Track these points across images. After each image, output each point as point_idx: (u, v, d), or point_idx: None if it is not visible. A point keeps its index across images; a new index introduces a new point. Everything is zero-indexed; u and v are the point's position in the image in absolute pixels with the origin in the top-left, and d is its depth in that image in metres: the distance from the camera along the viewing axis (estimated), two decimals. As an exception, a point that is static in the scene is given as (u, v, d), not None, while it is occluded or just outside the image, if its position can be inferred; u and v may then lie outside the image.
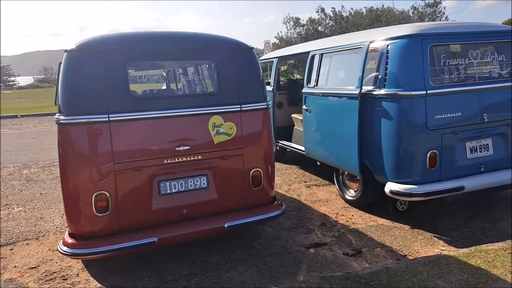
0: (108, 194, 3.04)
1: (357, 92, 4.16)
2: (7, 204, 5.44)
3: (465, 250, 3.24)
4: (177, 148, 3.21)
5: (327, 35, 26.24)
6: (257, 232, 4.07)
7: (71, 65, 2.98)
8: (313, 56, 5.41)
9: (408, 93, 3.79)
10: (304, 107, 5.47)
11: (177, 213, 3.30)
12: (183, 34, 3.47)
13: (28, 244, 4.06)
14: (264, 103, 3.59)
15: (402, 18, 28.63)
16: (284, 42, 26.61)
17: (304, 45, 6.46)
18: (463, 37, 4.01)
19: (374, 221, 4.28)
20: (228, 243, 3.81)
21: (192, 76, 4.32)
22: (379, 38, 4.17)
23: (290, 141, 6.55)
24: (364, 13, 26.43)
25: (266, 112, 3.63)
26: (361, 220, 4.34)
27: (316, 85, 5.22)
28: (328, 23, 27.09)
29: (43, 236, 4.23)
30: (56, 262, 3.61)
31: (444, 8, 32.87)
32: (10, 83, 61.90)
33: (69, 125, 2.95)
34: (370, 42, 4.20)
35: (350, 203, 4.83)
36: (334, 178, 5.18)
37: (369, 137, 4.19)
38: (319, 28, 26.41)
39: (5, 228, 4.51)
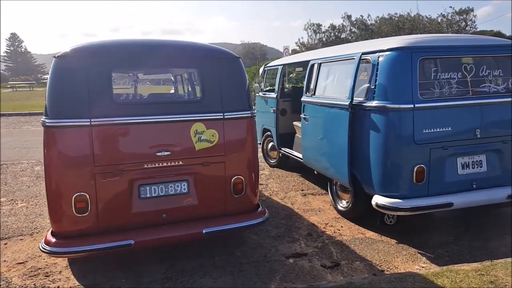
0: (87, 196, 3.14)
1: (347, 103, 4.15)
2: (12, 200, 5.66)
3: (437, 269, 3.17)
4: (157, 154, 3.28)
5: (349, 42, 26.04)
6: (241, 239, 4.10)
7: (58, 71, 3.11)
8: (312, 65, 5.41)
9: (395, 106, 3.76)
10: (302, 115, 5.48)
11: (157, 217, 3.37)
12: (169, 42, 3.56)
13: (22, 239, 4.22)
14: (249, 112, 3.63)
15: (430, 26, 28.02)
16: (305, 48, 26.54)
17: (307, 54, 6.48)
18: (455, 51, 3.95)
19: (361, 233, 4.25)
20: (210, 248, 3.85)
21: (176, 84, 4.40)
22: (371, 49, 4.15)
23: (292, 149, 6.56)
24: (384, 21, 26.01)
25: (251, 120, 3.67)
26: (349, 231, 4.31)
27: (314, 94, 5.22)
28: (351, 30, 26.86)
29: (37, 233, 4.39)
30: (44, 259, 3.73)
31: (475, 17, 32.01)
32: (43, 81, 64.03)
33: (53, 128, 3.07)
34: (362, 54, 4.19)
35: (342, 214, 4.80)
36: (328, 188, 5.16)
37: (359, 148, 4.17)
38: (342, 35, 26.22)
39: (5, 223, 4.70)
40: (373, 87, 3.98)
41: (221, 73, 3.52)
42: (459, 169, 3.96)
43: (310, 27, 26.38)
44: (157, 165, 3.31)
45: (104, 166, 3.17)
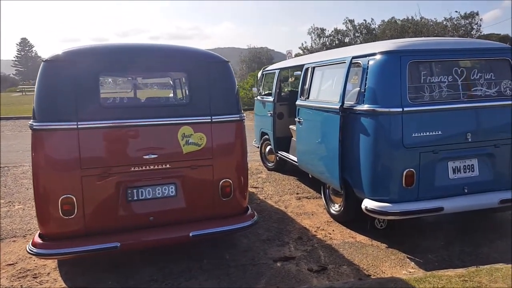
0: (74, 198, 3.16)
1: (338, 107, 4.15)
2: (10, 201, 5.72)
3: (420, 274, 3.15)
4: (144, 157, 3.30)
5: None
6: (231, 242, 4.10)
7: (45, 74, 3.15)
8: (306, 69, 5.42)
9: (384, 109, 3.75)
10: (296, 119, 5.49)
11: (144, 219, 3.39)
12: (157, 46, 3.59)
13: (14, 241, 4.26)
14: (238, 115, 3.64)
15: (434, 29, 27.83)
16: (308, 52, 26.48)
17: (302, 58, 6.49)
18: (445, 54, 3.93)
19: (352, 237, 4.23)
20: (199, 251, 3.86)
21: (163, 87, 4.43)
22: (361, 53, 4.15)
23: (289, 152, 6.56)
24: (388, 25, 25.90)
25: (240, 124, 3.68)
26: (340, 235, 4.29)
27: (308, 98, 5.23)
28: (355, 35, 26.80)
29: (30, 234, 4.43)
30: (34, 260, 3.76)
31: (481, 20, 31.71)
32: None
33: (40, 131, 3.10)
34: (352, 58, 4.18)
35: (334, 217, 4.78)
36: (322, 192, 5.15)
37: (349, 152, 4.16)
38: (346, 40, 26.16)
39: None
40: (363, 90, 3.98)
41: (210, 77, 3.54)
42: (450, 173, 3.94)
43: (314, 31, 26.43)
44: (144, 168, 3.33)
45: (90, 168, 3.20)
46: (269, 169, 7.50)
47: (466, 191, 3.96)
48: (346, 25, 28.21)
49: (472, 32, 31.54)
